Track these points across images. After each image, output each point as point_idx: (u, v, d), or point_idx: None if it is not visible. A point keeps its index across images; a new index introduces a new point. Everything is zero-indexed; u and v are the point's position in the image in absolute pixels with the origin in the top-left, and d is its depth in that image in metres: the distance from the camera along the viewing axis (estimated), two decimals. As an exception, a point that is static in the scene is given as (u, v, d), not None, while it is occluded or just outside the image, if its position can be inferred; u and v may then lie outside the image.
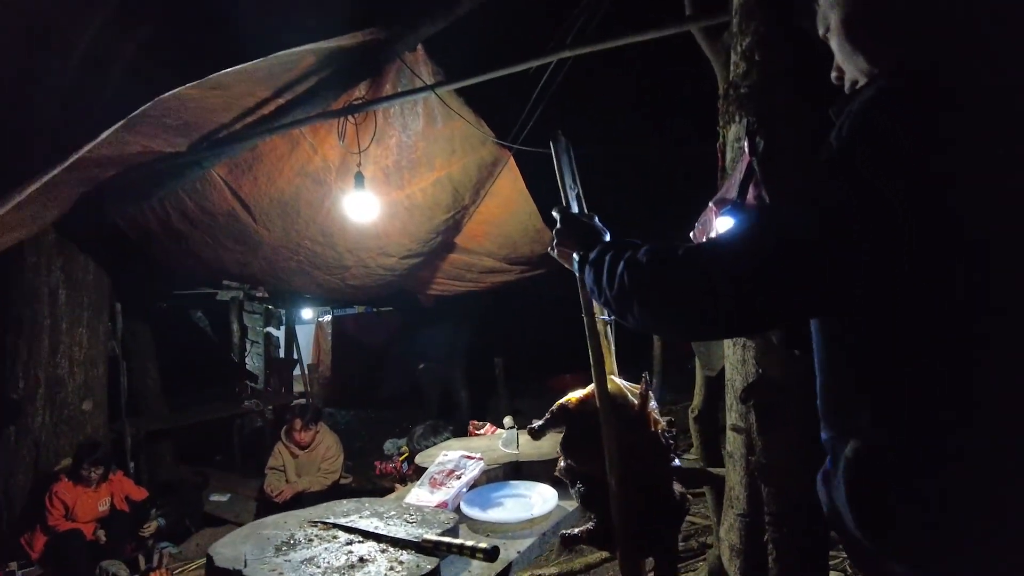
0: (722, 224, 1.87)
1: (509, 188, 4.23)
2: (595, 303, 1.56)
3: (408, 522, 1.74)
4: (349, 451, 7.08)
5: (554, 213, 1.56)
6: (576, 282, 1.57)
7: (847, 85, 1.12)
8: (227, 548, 1.65)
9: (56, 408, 5.03)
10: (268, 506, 5.02)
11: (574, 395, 1.73)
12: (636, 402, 1.66)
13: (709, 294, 0.99)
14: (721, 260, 1.01)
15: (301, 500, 5.01)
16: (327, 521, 1.78)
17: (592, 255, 1.30)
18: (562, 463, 1.72)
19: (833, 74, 1.13)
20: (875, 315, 0.93)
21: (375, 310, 10.93)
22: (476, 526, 1.87)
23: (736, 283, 0.97)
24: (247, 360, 9.26)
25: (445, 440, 3.75)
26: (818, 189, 0.94)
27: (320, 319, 11.04)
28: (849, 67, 1.10)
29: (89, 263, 5.21)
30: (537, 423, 1.77)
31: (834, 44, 1.12)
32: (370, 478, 6.09)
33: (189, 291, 7.44)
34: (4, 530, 4.70)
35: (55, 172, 2.88)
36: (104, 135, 2.67)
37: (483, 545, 1.51)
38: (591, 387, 1.70)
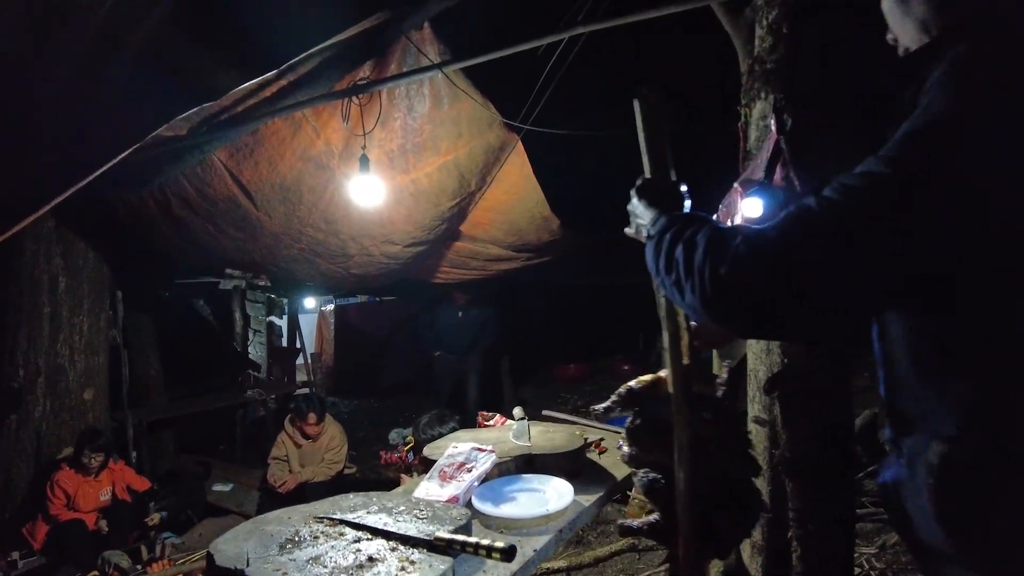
0: (749, 206, 1.78)
1: (516, 174, 4.13)
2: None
3: (419, 518, 1.66)
4: (352, 440, 7.03)
5: (633, 192, 1.40)
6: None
7: (900, 49, 1.05)
8: (228, 545, 1.57)
9: (57, 397, 4.99)
10: (271, 496, 4.99)
11: (644, 378, 1.62)
12: (716, 391, 1.56)
13: (777, 296, 0.89)
14: (792, 251, 0.88)
15: (305, 490, 4.96)
16: (333, 517, 1.70)
17: (655, 229, 1.19)
18: (626, 448, 1.63)
19: (889, 35, 1.06)
20: (970, 301, 0.83)
21: (378, 299, 10.86)
22: (489, 522, 1.79)
23: (811, 273, 0.86)
24: (250, 349, 9.20)
25: (452, 430, 3.66)
26: (899, 161, 0.84)
27: (323, 308, 10.97)
28: (902, 31, 1.03)
29: (89, 251, 5.15)
30: (601, 406, 1.66)
31: (885, 7, 1.05)
32: (374, 467, 6.04)
33: (191, 280, 7.36)
34: (6, 520, 4.66)
35: (73, 190, 2.83)
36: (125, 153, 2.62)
37: (500, 544, 1.43)
38: (664, 371, 1.58)
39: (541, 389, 8.83)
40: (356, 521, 1.65)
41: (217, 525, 5.32)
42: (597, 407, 1.66)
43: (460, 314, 6.36)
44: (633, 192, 1.38)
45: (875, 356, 1.15)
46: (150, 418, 6.06)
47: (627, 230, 1.43)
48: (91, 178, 2.88)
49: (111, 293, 5.53)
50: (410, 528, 1.59)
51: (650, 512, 1.61)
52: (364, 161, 3.27)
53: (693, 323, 1.48)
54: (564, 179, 4.53)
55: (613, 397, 1.67)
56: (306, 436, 5.09)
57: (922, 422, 0.94)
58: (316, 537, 1.61)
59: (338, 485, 5.29)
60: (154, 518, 4.64)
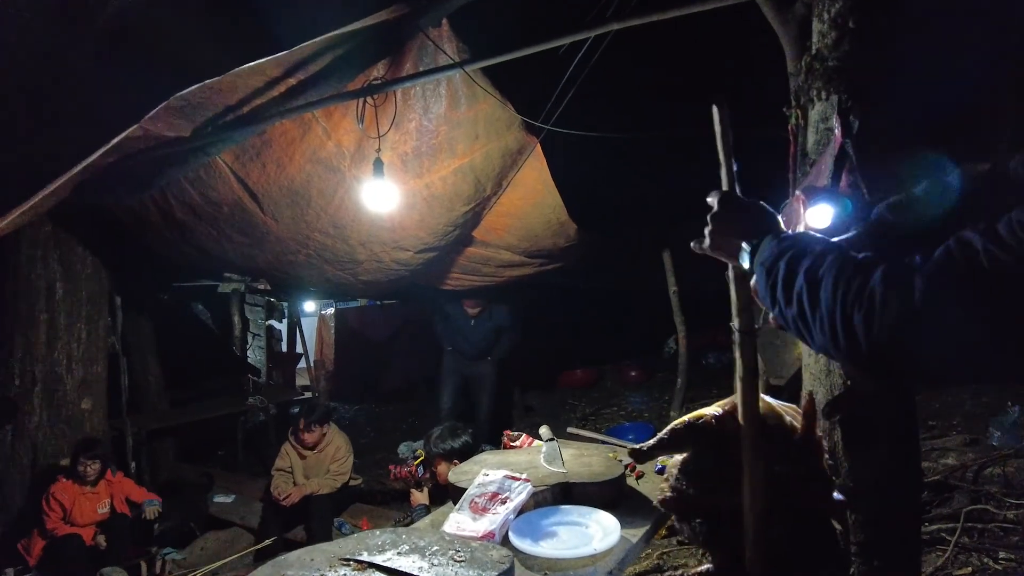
0: (815, 215, 1.63)
1: (534, 179, 3.97)
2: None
3: (456, 561, 1.50)
4: (356, 447, 6.88)
5: (710, 199, 1.27)
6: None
7: None
8: (247, 594, 1.42)
9: (54, 407, 4.85)
10: (274, 509, 4.84)
11: (707, 412, 1.47)
12: (798, 425, 1.41)
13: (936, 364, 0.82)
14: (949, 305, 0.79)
15: (309, 503, 4.81)
16: (361, 559, 1.54)
17: (766, 252, 1.06)
18: (671, 492, 1.47)
19: None
20: None
21: (378, 303, 10.70)
22: (529, 561, 1.64)
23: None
24: (249, 354, 9.04)
25: (465, 444, 3.51)
26: None
27: (323, 312, 10.81)
28: None
29: (87, 256, 4.99)
30: (646, 444, 1.51)
31: None
32: (378, 477, 5.88)
33: (189, 283, 7.21)
34: (1, 535, 4.50)
35: (74, 171, 2.67)
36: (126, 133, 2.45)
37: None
38: (729, 400, 1.44)
39: (548, 396, 8.67)
40: (388, 565, 1.50)
41: (220, 539, 5.17)
42: (640, 447, 1.51)
43: (473, 322, 5.95)
44: (716, 207, 1.24)
45: None
46: (150, 427, 5.91)
47: (697, 246, 1.28)
48: (64, 180, 2.73)
49: (110, 299, 5.39)
50: (447, 573, 1.44)
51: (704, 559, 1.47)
52: (378, 165, 3.12)
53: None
54: (582, 183, 4.39)
55: (663, 434, 1.52)
56: (304, 446, 4.94)
57: None
58: (343, 583, 1.45)
59: (344, 497, 5.15)
60: (149, 512, 4.46)
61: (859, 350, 0.85)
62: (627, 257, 6.00)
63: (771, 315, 1.06)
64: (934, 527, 3.20)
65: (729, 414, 1.42)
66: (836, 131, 1.71)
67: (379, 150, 3.08)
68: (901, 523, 1.79)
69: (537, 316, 8.61)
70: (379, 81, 2.96)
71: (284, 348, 9.95)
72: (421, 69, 3.04)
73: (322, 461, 5.00)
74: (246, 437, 7.04)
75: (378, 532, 1.70)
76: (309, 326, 10.79)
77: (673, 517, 1.60)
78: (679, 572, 1.51)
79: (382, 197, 3.20)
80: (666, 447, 1.54)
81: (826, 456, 1.48)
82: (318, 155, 3.42)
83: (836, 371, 1.82)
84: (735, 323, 1.33)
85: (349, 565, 1.54)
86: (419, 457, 4.60)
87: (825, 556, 1.39)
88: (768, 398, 1.50)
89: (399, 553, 1.57)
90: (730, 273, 1.32)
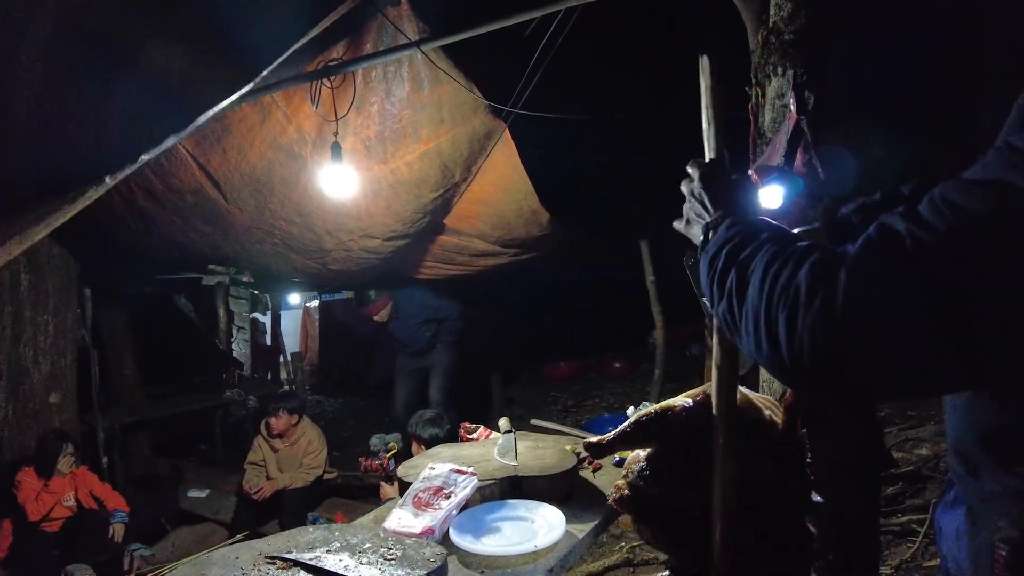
0: (766, 196, 1.55)
1: (503, 164, 3.88)
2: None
3: (386, 559, 1.43)
4: (337, 440, 6.79)
5: (690, 168, 1.14)
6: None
7: None
8: (159, 597, 1.33)
9: (20, 401, 4.73)
10: (248, 503, 4.75)
11: (676, 402, 1.34)
12: (778, 420, 1.30)
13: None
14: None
15: (282, 497, 4.73)
16: (287, 557, 1.46)
17: (712, 241, 0.95)
18: (628, 490, 1.36)
19: None
20: None
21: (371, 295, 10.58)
22: (468, 559, 1.56)
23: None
24: (233, 347, 8.93)
25: (449, 433, 3.46)
26: None
27: (307, 304, 10.69)
28: None
29: (54, 245, 4.86)
30: (605, 437, 1.38)
31: None
32: (356, 470, 5.78)
33: (173, 276, 7.10)
34: (-37, 532, 4.39)
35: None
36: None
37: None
38: (700, 390, 1.32)
39: (530, 388, 8.61)
40: (312, 563, 1.42)
41: (192, 534, 5.09)
42: (596, 439, 1.41)
43: (394, 323, 5.66)
44: (693, 178, 1.12)
45: None
46: (123, 421, 5.80)
47: (676, 224, 1.17)
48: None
49: (79, 291, 5.26)
50: (374, 574, 1.36)
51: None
52: (336, 149, 3.02)
53: None
54: (554, 172, 4.29)
55: (628, 424, 1.40)
56: (272, 434, 4.85)
57: (999, 470, 0.78)
58: (264, 584, 1.38)
59: (318, 491, 5.07)
60: (116, 530, 4.36)
61: (782, 359, 0.74)
62: (604, 247, 5.92)
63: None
64: (905, 518, 3.15)
65: (701, 405, 1.30)
66: (791, 107, 1.63)
67: (337, 133, 2.98)
68: (859, 516, 1.72)
69: (519, 309, 8.55)
70: (337, 62, 2.87)
71: (268, 341, 9.85)
72: (381, 50, 2.94)
73: (295, 454, 4.92)
74: (228, 431, 6.94)
75: (311, 529, 1.63)
76: (294, 319, 10.69)
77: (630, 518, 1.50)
78: None
79: (341, 183, 3.11)
80: (629, 441, 1.39)
81: (808, 455, 1.39)
82: (279, 141, 3.32)
83: (792, 359, 1.74)
84: (706, 305, 1.20)
85: (275, 564, 1.46)
86: (391, 450, 4.53)
87: (797, 562, 1.31)
88: (745, 389, 1.37)
89: (329, 551, 1.49)
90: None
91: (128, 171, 2.08)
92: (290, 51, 2.31)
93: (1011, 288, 0.62)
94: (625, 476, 1.42)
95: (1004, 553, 0.74)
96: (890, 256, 0.68)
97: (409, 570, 1.37)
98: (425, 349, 5.80)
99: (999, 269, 0.63)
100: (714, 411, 1.23)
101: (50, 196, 2.12)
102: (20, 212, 2.10)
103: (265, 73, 2.28)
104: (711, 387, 1.26)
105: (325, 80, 2.88)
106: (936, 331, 0.65)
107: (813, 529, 1.46)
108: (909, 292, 0.66)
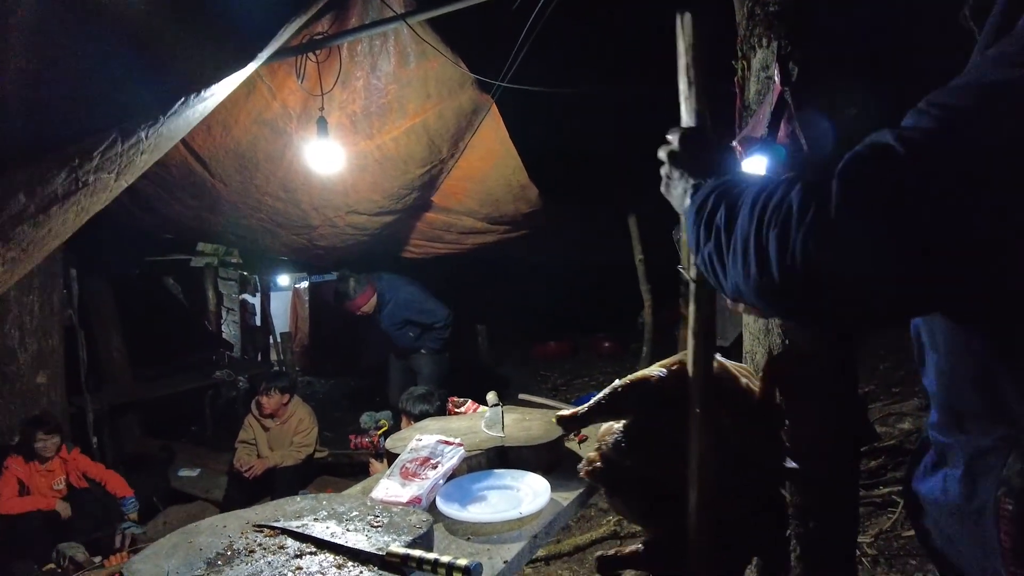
0: (750, 166, 1.56)
1: (491, 140, 3.85)
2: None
3: (372, 526, 1.45)
4: (328, 421, 6.81)
5: (670, 136, 1.12)
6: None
7: None
8: (147, 564, 1.34)
9: (7, 381, 4.72)
10: (239, 482, 4.78)
11: (651, 371, 1.32)
12: (756, 388, 1.29)
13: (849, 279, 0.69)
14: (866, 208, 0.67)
15: (273, 475, 4.76)
16: (274, 525, 1.47)
17: (700, 192, 0.94)
18: (601, 462, 1.35)
19: None
20: None
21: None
22: (454, 527, 1.58)
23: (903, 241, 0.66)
24: (223, 328, 8.92)
25: (439, 410, 3.48)
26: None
27: (297, 286, 10.66)
28: None
29: (38, 224, 4.81)
30: (579, 409, 1.37)
31: None
32: (347, 450, 5.81)
33: (162, 257, 7.04)
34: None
35: None
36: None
37: (462, 562, 1.21)
38: (675, 359, 1.30)
39: (521, 367, 8.66)
40: (300, 531, 1.43)
41: (183, 512, 5.10)
42: (570, 412, 1.41)
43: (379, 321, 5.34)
44: (673, 144, 1.10)
45: (913, 329, 0.94)
46: (112, 402, 5.79)
47: (662, 189, 1.15)
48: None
49: (64, 270, 5.22)
50: (361, 540, 1.38)
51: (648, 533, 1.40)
52: (322, 124, 2.99)
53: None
54: (543, 147, 4.27)
55: (604, 394, 1.40)
56: (263, 413, 4.85)
57: (990, 420, 0.75)
58: (252, 551, 1.38)
59: (309, 470, 5.10)
60: (132, 519, 4.41)
61: (771, 278, 0.73)
62: (593, 225, 5.91)
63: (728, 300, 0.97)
64: (886, 490, 3.21)
65: (676, 374, 1.29)
66: (775, 79, 1.64)
67: (323, 108, 2.95)
68: (838, 485, 1.75)
69: (510, 289, 8.56)
70: (321, 36, 2.83)
71: (258, 322, 9.84)
72: (367, 23, 2.91)
73: (285, 433, 4.94)
74: (218, 412, 6.95)
75: (298, 498, 1.64)
76: (284, 300, 10.67)
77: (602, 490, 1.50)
78: (612, 552, 1.42)
79: (327, 158, 3.09)
80: (603, 412, 1.39)
81: (785, 423, 1.40)
82: (263, 116, 3.29)
83: (775, 330, 1.76)
84: (690, 272, 1.19)
85: (262, 532, 1.47)
86: (381, 427, 4.55)
87: (774, 531, 1.33)
88: (722, 358, 1.37)
89: (316, 519, 1.51)
90: (683, 220, 1.21)
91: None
92: (287, 31, 2.28)
93: (1009, 174, 0.61)
94: (599, 448, 1.42)
95: (1010, 507, 0.72)
96: (882, 161, 0.67)
97: (395, 536, 1.39)
98: (409, 350, 5.54)
99: (996, 156, 0.62)
100: (690, 379, 1.23)
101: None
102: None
103: (263, 55, 2.24)
104: (686, 356, 1.25)
105: (310, 54, 2.84)
106: (937, 228, 0.64)
107: (789, 496, 1.49)
108: (907, 192, 0.64)
